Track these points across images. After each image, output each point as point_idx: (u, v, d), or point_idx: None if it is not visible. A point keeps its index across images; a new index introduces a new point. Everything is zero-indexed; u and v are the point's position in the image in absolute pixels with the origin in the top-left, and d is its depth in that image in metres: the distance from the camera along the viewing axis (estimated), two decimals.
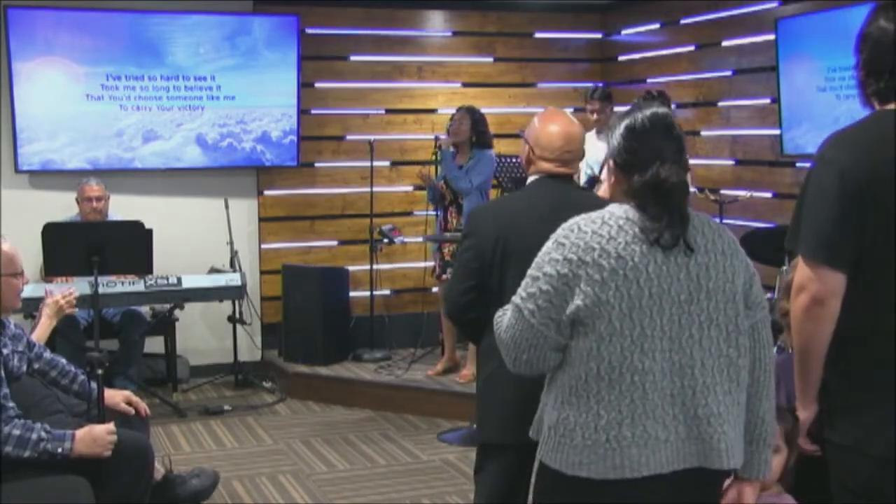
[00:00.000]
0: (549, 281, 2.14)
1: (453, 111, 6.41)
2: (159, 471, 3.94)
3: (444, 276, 6.14)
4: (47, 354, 3.76)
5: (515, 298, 2.21)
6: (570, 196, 2.92)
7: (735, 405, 2.17)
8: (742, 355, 2.18)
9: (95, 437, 3.30)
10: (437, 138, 6.35)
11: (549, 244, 2.18)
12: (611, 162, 2.25)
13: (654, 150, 2.17)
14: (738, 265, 2.20)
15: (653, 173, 2.13)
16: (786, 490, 2.58)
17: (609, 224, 2.14)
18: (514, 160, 6.32)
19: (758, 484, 2.29)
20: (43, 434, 3.21)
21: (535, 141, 3.02)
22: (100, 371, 3.64)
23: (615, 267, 2.09)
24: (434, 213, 6.38)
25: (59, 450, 3.23)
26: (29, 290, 3.96)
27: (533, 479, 2.28)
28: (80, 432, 3.29)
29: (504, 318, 2.25)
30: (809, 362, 2.30)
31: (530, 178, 3.06)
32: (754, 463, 2.25)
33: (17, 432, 3.17)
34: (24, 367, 3.57)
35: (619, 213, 2.16)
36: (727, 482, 2.28)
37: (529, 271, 2.20)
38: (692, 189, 6.33)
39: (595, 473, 2.11)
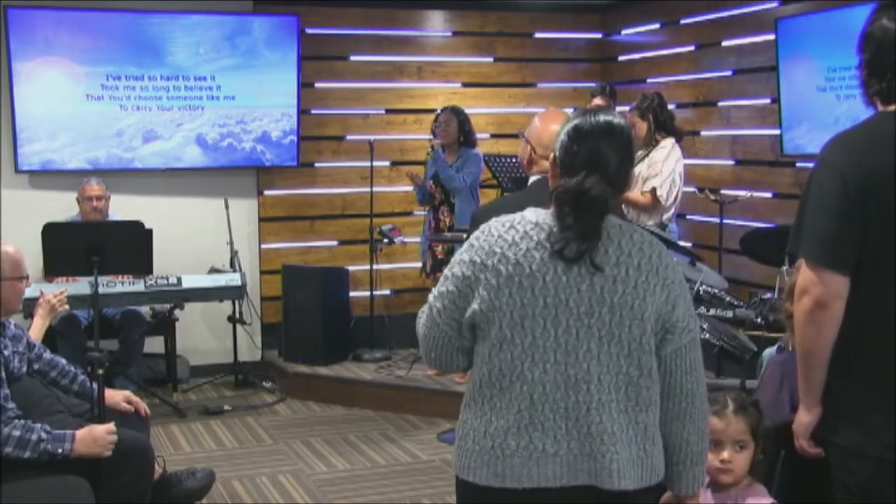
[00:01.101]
0: (454, 281, 2.13)
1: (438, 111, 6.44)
2: (156, 471, 3.94)
3: (437, 275, 6.14)
4: (47, 355, 3.76)
5: (430, 296, 2.20)
6: None
7: (632, 424, 2.07)
8: (644, 375, 2.07)
9: (96, 437, 3.31)
10: (431, 140, 6.38)
11: (465, 243, 2.17)
12: (552, 155, 2.20)
13: (590, 158, 2.10)
14: (654, 283, 2.07)
15: (577, 182, 2.06)
16: (760, 482, 2.59)
17: (516, 229, 2.10)
18: (513, 160, 6.32)
19: (697, 497, 2.22)
20: (43, 435, 3.21)
21: (537, 140, 3.02)
22: (100, 371, 3.63)
23: (511, 273, 2.05)
24: (423, 212, 6.42)
25: (60, 450, 3.23)
26: (28, 291, 3.96)
27: None
28: (80, 433, 3.29)
29: (423, 313, 2.24)
30: (813, 365, 2.29)
31: (532, 178, 3.06)
32: (683, 481, 2.18)
33: (17, 433, 3.18)
34: (24, 368, 3.57)
35: (531, 218, 2.11)
36: (665, 497, 2.25)
37: (445, 269, 2.20)
38: (690, 188, 6.35)
39: (478, 479, 2.08)
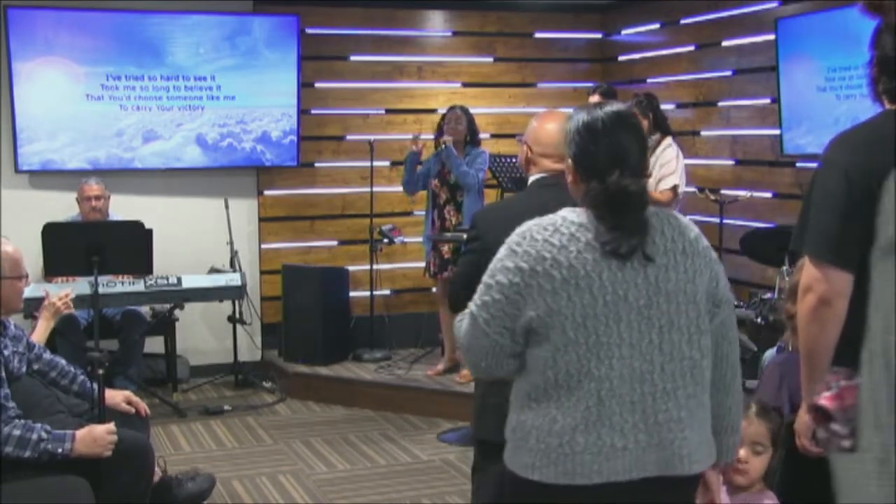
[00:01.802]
0: (501, 290, 2.11)
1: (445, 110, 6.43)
2: (156, 473, 3.94)
3: (444, 274, 6.15)
4: (47, 355, 3.76)
5: (472, 306, 2.18)
6: (573, 198, 2.93)
7: (699, 407, 2.13)
8: (705, 356, 2.13)
9: (96, 437, 3.31)
10: (436, 138, 6.35)
11: (502, 250, 2.14)
12: (569, 161, 2.20)
13: (614, 155, 2.12)
14: (699, 263, 2.14)
15: (613, 182, 2.08)
16: (769, 488, 2.58)
17: (561, 232, 2.09)
18: (513, 160, 6.32)
19: (719, 470, 2.28)
20: (43, 434, 3.22)
21: (533, 140, 3.03)
22: (100, 371, 3.63)
23: (566, 277, 2.05)
24: (424, 212, 6.41)
25: (60, 450, 3.23)
26: (29, 291, 3.96)
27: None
28: (80, 432, 3.29)
29: (462, 323, 2.23)
30: (816, 363, 2.29)
31: (531, 179, 3.06)
32: (724, 448, 2.24)
33: (17, 433, 3.18)
34: (24, 368, 3.57)
35: (573, 219, 2.11)
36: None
37: (484, 277, 2.17)
38: (691, 188, 6.35)
39: (546, 477, 2.08)
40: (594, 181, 2.11)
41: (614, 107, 2.20)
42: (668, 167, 5.37)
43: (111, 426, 3.38)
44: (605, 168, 2.10)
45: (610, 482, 2.06)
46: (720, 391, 2.21)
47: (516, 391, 2.18)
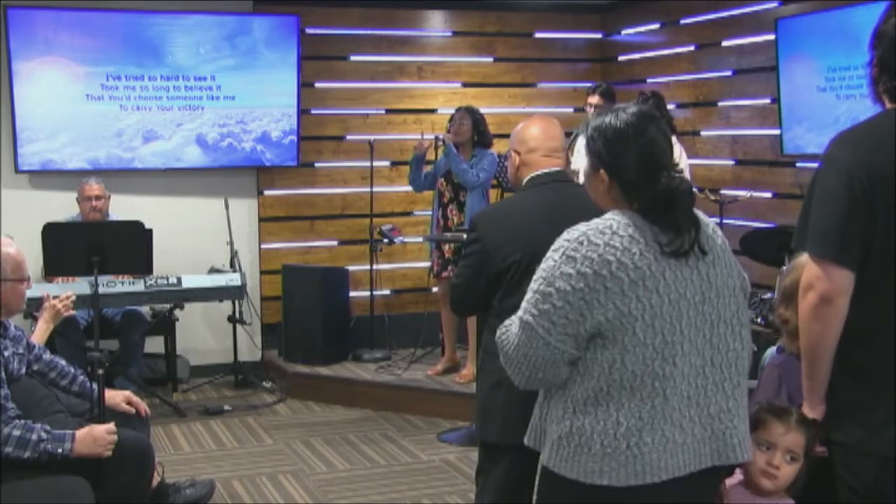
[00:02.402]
0: (563, 296, 2.08)
1: (453, 111, 6.41)
2: (155, 477, 3.93)
3: (444, 274, 6.14)
4: (46, 356, 3.76)
5: (526, 317, 2.14)
6: (571, 195, 2.94)
7: (743, 397, 2.20)
8: (745, 347, 2.21)
9: (96, 437, 3.30)
10: (436, 138, 6.35)
11: (556, 257, 2.12)
12: (601, 171, 2.18)
13: (649, 155, 2.14)
14: (731, 257, 2.24)
15: (664, 185, 2.12)
16: (791, 496, 2.57)
17: (619, 234, 2.10)
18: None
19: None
20: (43, 434, 3.21)
21: (519, 142, 3.10)
22: (100, 371, 3.63)
23: (634, 279, 2.07)
24: (426, 212, 6.38)
25: (60, 450, 3.23)
26: (29, 291, 3.95)
27: (538, 488, 2.26)
28: (80, 432, 3.29)
29: (510, 335, 2.19)
30: (817, 361, 2.29)
31: (525, 179, 3.09)
32: None
33: (17, 433, 3.17)
34: (24, 369, 3.57)
35: (626, 222, 2.12)
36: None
37: (536, 286, 2.13)
38: (696, 190, 6.35)
39: (616, 481, 2.09)
40: (642, 187, 2.13)
41: (635, 108, 2.21)
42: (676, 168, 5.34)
43: (111, 426, 3.38)
44: (645, 172, 2.13)
45: (674, 478, 2.10)
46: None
47: (568, 397, 2.16)
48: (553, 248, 2.15)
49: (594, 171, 2.21)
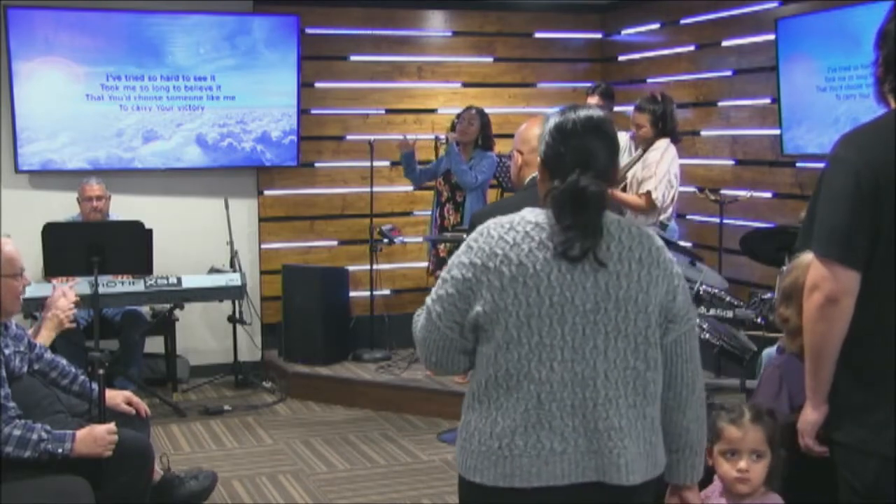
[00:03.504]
0: (454, 284, 2.12)
1: (453, 111, 6.41)
2: (157, 472, 3.94)
3: (438, 272, 6.14)
4: (48, 355, 3.75)
5: (428, 299, 2.19)
6: None
7: (640, 419, 2.10)
8: (651, 368, 2.10)
9: (96, 437, 3.30)
10: (437, 138, 6.35)
11: (462, 246, 2.16)
12: (538, 159, 2.21)
13: (579, 156, 2.11)
14: (656, 275, 2.11)
15: (571, 181, 2.07)
16: (777, 491, 2.58)
17: (516, 230, 2.10)
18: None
19: (695, 488, 2.26)
20: (43, 434, 3.21)
21: (523, 142, 3.11)
22: (101, 371, 3.63)
23: (515, 274, 2.05)
24: (426, 212, 6.38)
25: (60, 450, 3.23)
26: (29, 291, 3.95)
27: None
28: (80, 433, 3.29)
29: (420, 316, 2.24)
30: (822, 362, 2.29)
31: (527, 179, 3.09)
32: (680, 469, 2.22)
33: (17, 433, 3.17)
34: (25, 368, 3.56)
35: (530, 219, 2.11)
36: (668, 490, 2.26)
37: (442, 272, 2.18)
38: (690, 188, 6.35)
39: (486, 480, 2.08)
40: (556, 180, 2.11)
41: (588, 110, 2.20)
42: (648, 170, 5.27)
43: (111, 426, 3.38)
44: (570, 169, 2.10)
45: (549, 486, 2.06)
46: (674, 410, 2.17)
47: (468, 391, 2.18)
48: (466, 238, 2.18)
49: (538, 158, 2.22)
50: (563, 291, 2.05)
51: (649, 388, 2.11)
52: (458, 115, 6.31)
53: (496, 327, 2.07)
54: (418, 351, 2.25)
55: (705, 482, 2.49)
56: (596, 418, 2.06)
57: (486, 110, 6.39)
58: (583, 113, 2.17)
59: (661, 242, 2.17)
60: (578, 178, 2.07)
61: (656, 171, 5.24)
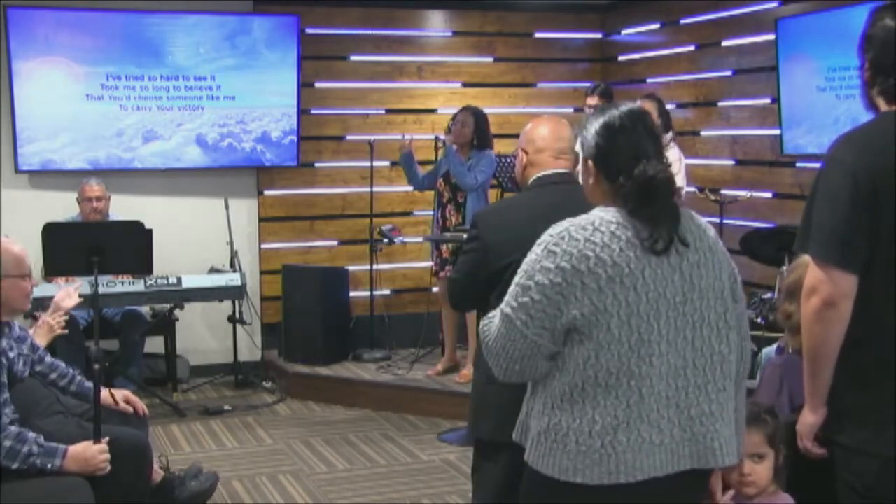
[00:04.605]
0: (541, 290, 2.10)
1: (453, 111, 6.40)
2: (158, 473, 3.93)
3: (441, 274, 6.16)
4: (48, 358, 3.75)
5: (505, 308, 2.16)
6: (574, 196, 2.93)
7: (728, 401, 2.17)
8: (732, 351, 2.18)
9: (88, 458, 3.28)
10: (437, 138, 6.35)
11: (538, 251, 2.14)
12: (589, 162, 2.21)
13: (635, 148, 2.15)
14: (722, 260, 2.19)
15: (640, 172, 2.11)
16: (783, 489, 2.58)
17: (601, 231, 2.10)
18: (514, 160, 6.32)
19: (719, 473, 2.29)
20: (34, 448, 3.18)
21: (528, 141, 3.09)
22: (96, 366, 3.61)
23: (612, 275, 2.07)
24: (427, 212, 6.38)
25: (49, 465, 3.20)
26: (35, 291, 3.93)
27: (522, 485, 2.27)
28: (72, 449, 3.26)
29: (491, 327, 2.21)
30: (820, 365, 2.29)
31: (531, 179, 3.08)
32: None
33: (7, 444, 3.15)
34: (28, 371, 3.56)
35: (609, 218, 2.12)
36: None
37: (518, 279, 2.16)
38: (691, 188, 6.35)
39: (589, 479, 2.08)
40: (620, 177, 2.14)
41: (626, 105, 2.24)
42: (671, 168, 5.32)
43: (104, 447, 3.34)
44: (625, 163, 2.13)
45: (650, 478, 2.09)
46: (737, 388, 2.24)
47: (547, 393, 2.16)
48: (538, 242, 2.17)
49: (588, 162, 2.23)
50: (657, 287, 2.09)
51: (731, 369, 2.18)
52: (453, 117, 6.31)
53: (595, 329, 2.07)
54: (494, 360, 2.21)
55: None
56: (689, 406, 2.11)
57: (487, 110, 6.38)
58: (624, 108, 2.21)
59: (713, 229, 2.24)
60: (645, 168, 2.11)
61: (679, 168, 5.29)
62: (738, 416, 2.26)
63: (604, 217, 2.13)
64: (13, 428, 3.22)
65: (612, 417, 2.08)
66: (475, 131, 6.11)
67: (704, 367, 2.13)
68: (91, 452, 3.30)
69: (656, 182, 2.10)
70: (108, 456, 3.32)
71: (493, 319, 2.21)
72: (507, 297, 2.17)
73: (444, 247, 6.21)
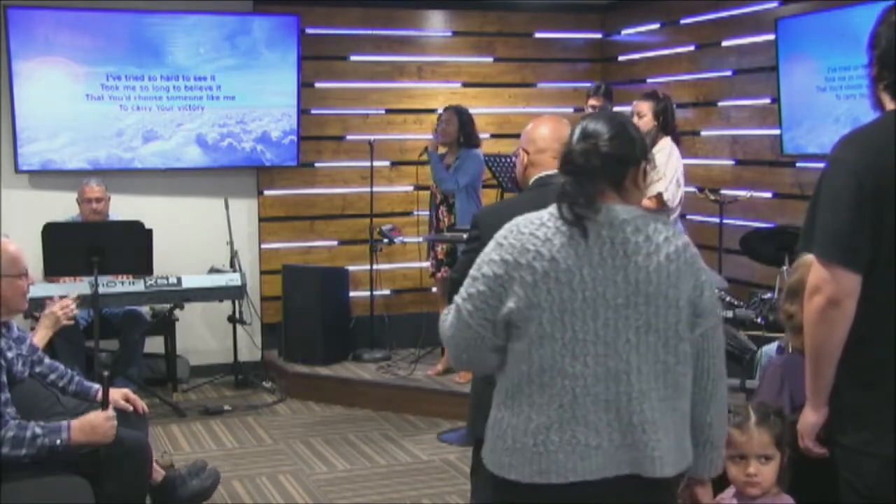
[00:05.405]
0: (486, 282, 2.12)
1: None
2: (159, 472, 3.93)
3: (438, 275, 6.17)
4: (47, 359, 3.75)
5: (457, 298, 2.19)
6: None
7: (672, 412, 2.11)
8: (681, 362, 2.11)
9: (94, 425, 3.26)
10: (425, 149, 6.34)
11: (491, 243, 2.17)
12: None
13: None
14: (684, 270, 2.11)
15: (574, 146, 2.15)
16: (785, 491, 2.58)
17: (547, 226, 2.11)
18: (513, 160, 6.31)
19: (709, 484, 2.27)
20: (38, 430, 3.18)
21: (528, 141, 3.09)
22: (105, 373, 3.61)
23: (547, 269, 2.06)
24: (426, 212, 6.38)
25: (58, 441, 3.19)
26: (33, 291, 3.94)
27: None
28: (76, 421, 3.25)
29: (448, 315, 2.23)
30: (822, 364, 2.28)
31: (532, 179, 3.09)
32: (699, 463, 2.22)
33: (11, 433, 3.15)
34: (27, 372, 3.56)
35: (558, 214, 2.12)
36: (682, 484, 2.26)
37: (472, 270, 2.19)
38: (690, 188, 6.34)
39: (522, 477, 2.08)
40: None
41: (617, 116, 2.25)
42: (656, 172, 5.23)
43: (110, 412, 3.33)
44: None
45: (584, 481, 2.06)
46: (698, 404, 2.18)
47: (497, 388, 2.19)
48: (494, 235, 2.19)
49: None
50: (596, 286, 2.06)
51: (679, 381, 2.12)
52: (439, 117, 6.31)
53: (529, 323, 2.07)
54: (447, 348, 2.26)
55: (718, 485, 2.48)
56: (630, 412, 2.07)
57: (487, 110, 6.41)
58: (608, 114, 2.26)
59: (688, 240, 2.19)
60: (582, 145, 2.15)
61: (665, 172, 5.23)
62: (713, 433, 2.21)
63: (553, 213, 2.13)
64: (13, 421, 3.22)
65: (545, 417, 2.07)
66: (460, 129, 6.13)
67: (649, 373, 2.08)
68: (98, 420, 3.28)
69: (570, 157, 2.13)
70: (115, 423, 3.31)
71: (451, 309, 2.24)
72: (461, 287, 2.20)
73: (438, 248, 6.22)
